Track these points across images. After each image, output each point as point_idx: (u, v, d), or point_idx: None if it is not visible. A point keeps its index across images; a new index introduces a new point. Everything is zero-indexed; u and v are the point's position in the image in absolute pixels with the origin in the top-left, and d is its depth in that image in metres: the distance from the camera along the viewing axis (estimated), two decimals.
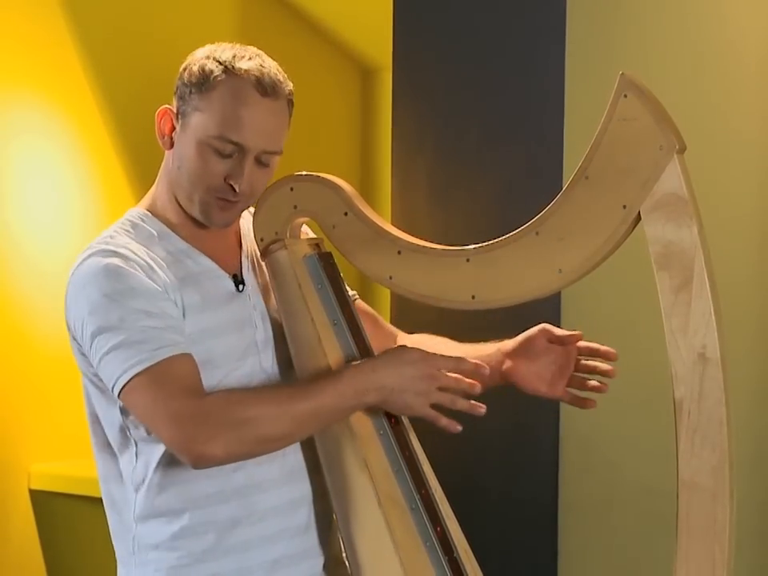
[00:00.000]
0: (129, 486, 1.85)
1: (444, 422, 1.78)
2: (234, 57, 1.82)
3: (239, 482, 1.83)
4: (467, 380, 1.78)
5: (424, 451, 1.89)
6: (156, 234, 1.86)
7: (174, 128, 1.85)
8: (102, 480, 1.90)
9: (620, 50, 2.94)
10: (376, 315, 2.10)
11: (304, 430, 1.78)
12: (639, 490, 2.89)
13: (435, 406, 1.79)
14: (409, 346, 1.84)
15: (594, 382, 1.96)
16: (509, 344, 1.99)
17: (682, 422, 1.63)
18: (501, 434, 3.03)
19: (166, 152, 1.89)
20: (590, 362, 1.96)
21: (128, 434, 1.83)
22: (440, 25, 3.19)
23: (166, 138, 1.87)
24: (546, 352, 1.96)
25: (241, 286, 1.89)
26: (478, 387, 1.78)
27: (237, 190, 1.81)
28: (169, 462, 1.81)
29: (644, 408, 2.84)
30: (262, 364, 1.87)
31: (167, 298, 1.79)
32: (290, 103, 1.86)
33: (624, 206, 1.67)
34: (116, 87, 4.11)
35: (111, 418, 1.84)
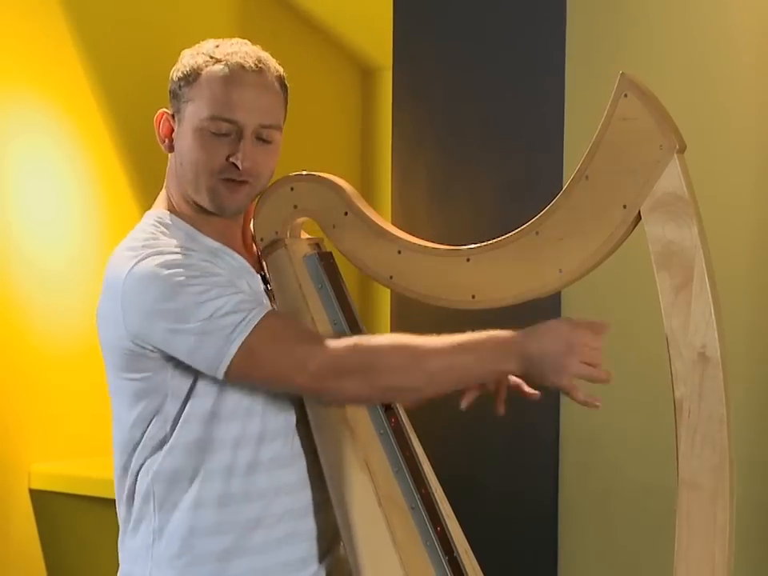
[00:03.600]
0: (148, 484, 1.85)
1: (581, 396, 1.73)
2: (217, 46, 1.87)
3: (260, 485, 1.84)
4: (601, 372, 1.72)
5: (424, 451, 1.89)
6: (186, 234, 1.86)
7: (172, 130, 1.87)
8: (122, 474, 1.90)
9: (620, 50, 2.94)
10: None
11: (437, 386, 1.76)
12: (639, 489, 2.89)
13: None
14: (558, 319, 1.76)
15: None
16: None
17: (682, 422, 1.63)
18: (501, 433, 3.03)
19: (170, 155, 1.90)
20: None
21: (159, 426, 1.83)
22: (440, 25, 3.19)
23: (166, 141, 1.89)
24: None
25: (268, 285, 1.90)
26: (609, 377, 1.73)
27: (240, 167, 1.82)
28: (179, 466, 1.82)
29: (644, 407, 2.84)
30: None
31: (231, 280, 1.80)
32: (281, 81, 1.90)
33: (624, 206, 1.67)
34: (116, 87, 4.11)
35: (145, 412, 1.84)
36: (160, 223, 1.87)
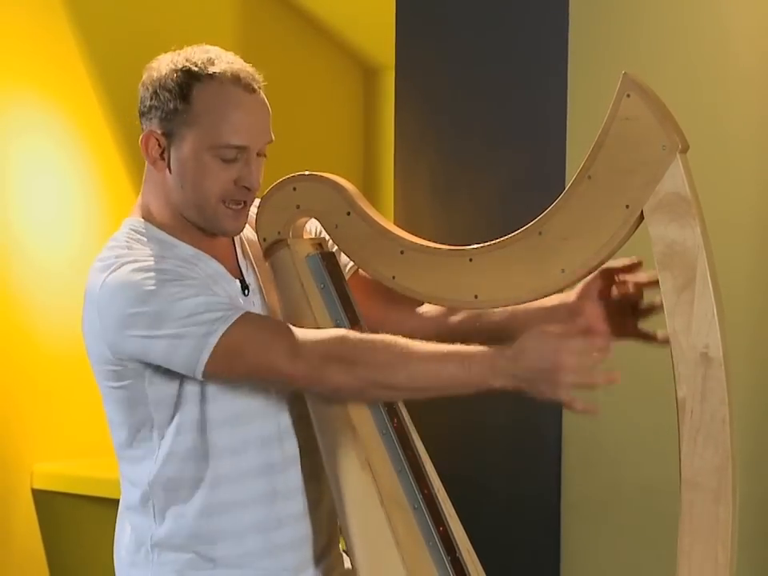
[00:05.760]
0: (145, 488, 1.85)
1: (579, 406, 1.69)
2: (204, 62, 1.80)
3: (258, 490, 1.84)
4: (596, 356, 1.68)
5: (426, 451, 1.89)
6: (160, 243, 1.84)
7: (163, 149, 1.83)
8: (124, 480, 1.90)
9: (622, 50, 2.93)
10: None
11: (420, 389, 1.75)
12: (642, 489, 2.89)
13: None
14: (542, 326, 1.72)
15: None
16: (571, 296, 1.87)
17: (684, 422, 1.63)
18: (503, 432, 3.03)
19: (153, 170, 1.86)
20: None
21: (150, 434, 1.83)
22: (443, 25, 3.19)
23: (158, 161, 1.84)
24: (606, 294, 1.84)
25: (246, 291, 1.89)
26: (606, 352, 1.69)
27: (251, 189, 1.82)
28: (181, 468, 1.82)
29: (647, 407, 2.84)
30: None
31: (207, 283, 1.79)
32: (262, 88, 1.85)
33: (627, 206, 1.66)
34: (118, 87, 4.12)
35: (133, 420, 1.83)
36: (135, 232, 1.85)
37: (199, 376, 1.74)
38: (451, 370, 1.71)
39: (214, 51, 1.83)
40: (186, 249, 1.85)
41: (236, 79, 1.80)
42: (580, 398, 1.69)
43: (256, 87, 1.82)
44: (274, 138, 1.86)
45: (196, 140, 1.80)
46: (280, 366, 1.73)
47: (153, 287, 1.73)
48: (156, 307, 1.72)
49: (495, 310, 1.91)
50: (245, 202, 1.84)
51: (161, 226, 1.86)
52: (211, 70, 1.79)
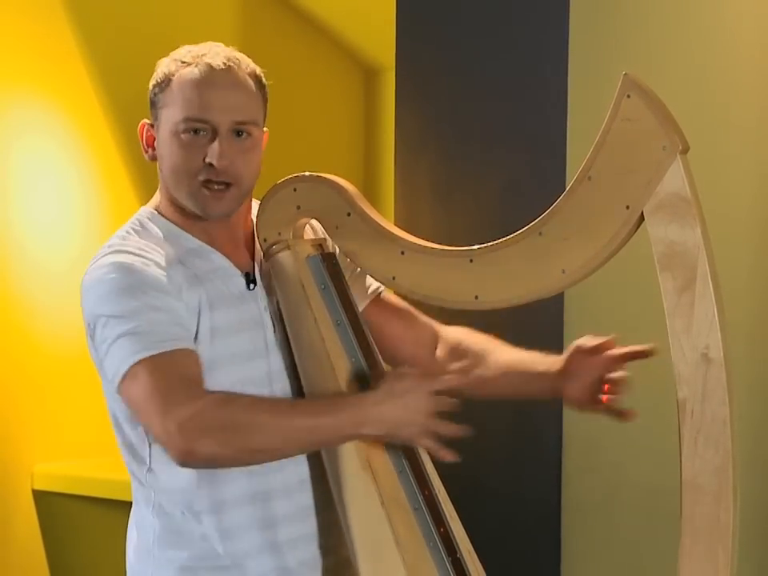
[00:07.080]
0: (145, 485, 1.86)
1: (443, 452, 1.79)
2: (189, 51, 1.86)
3: (254, 488, 1.84)
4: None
5: (427, 451, 1.88)
6: (165, 233, 1.86)
7: (155, 138, 1.88)
8: (131, 475, 1.91)
9: (623, 50, 2.94)
10: (408, 308, 2.07)
11: (295, 447, 1.77)
12: (642, 491, 2.89)
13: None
14: (406, 370, 1.81)
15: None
16: (556, 365, 1.95)
17: (685, 423, 1.63)
18: (504, 434, 3.03)
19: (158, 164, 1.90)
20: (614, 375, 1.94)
21: (144, 435, 1.83)
22: (443, 26, 3.19)
23: (150, 150, 1.89)
24: (584, 367, 1.94)
25: (252, 285, 1.89)
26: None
27: (216, 166, 1.80)
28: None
29: (647, 408, 2.83)
30: (271, 367, 1.86)
31: (178, 297, 1.79)
32: (256, 79, 1.87)
33: (627, 207, 1.66)
34: (119, 87, 4.12)
35: (128, 417, 1.84)
36: (139, 222, 1.89)
37: (116, 388, 1.75)
38: (324, 425, 1.73)
39: (208, 46, 1.87)
40: (189, 241, 1.87)
41: (211, 60, 1.83)
42: (442, 447, 1.78)
43: (231, 65, 1.84)
44: (256, 120, 1.85)
45: (168, 119, 1.83)
46: (154, 423, 1.71)
47: (118, 289, 1.75)
48: (110, 311, 1.74)
49: (491, 365, 1.99)
50: (225, 185, 1.82)
51: (168, 217, 1.89)
52: (192, 57, 1.84)
